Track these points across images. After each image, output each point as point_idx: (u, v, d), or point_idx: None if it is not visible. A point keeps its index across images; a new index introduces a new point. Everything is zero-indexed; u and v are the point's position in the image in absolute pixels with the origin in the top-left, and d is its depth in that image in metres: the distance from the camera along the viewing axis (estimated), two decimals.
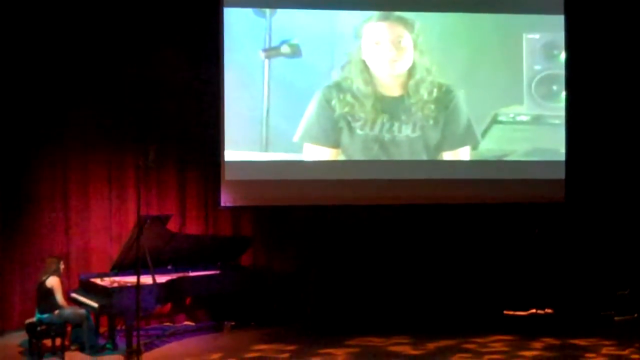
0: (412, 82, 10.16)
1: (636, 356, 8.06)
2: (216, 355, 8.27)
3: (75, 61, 9.57)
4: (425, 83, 10.17)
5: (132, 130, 9.70)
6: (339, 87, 10.09)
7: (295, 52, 10.05)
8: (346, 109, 10.09)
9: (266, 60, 10.00)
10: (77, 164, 9.66)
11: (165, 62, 9.75)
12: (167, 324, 9.76)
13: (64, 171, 9.62)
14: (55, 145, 9.58)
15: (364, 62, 10.13)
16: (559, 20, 10.44)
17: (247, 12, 9.99)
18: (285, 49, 10.04)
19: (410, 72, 10.17)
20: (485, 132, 10.30)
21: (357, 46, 10.13)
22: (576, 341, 8.70)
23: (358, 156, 10.15)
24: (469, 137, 10.27)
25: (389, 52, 10.14)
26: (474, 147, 10.30)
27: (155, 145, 7.54)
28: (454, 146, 10.26)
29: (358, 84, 10.10)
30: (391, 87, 10.19)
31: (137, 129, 9.68)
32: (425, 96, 10.16)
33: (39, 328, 8.14)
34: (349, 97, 10.07)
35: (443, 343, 8.67)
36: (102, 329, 8.88)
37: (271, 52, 10.02)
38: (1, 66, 9.35)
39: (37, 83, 9.48)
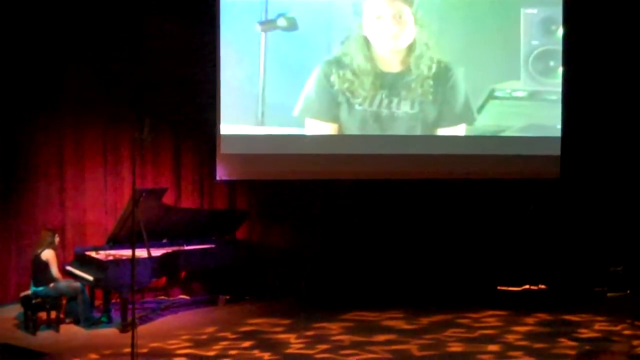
0: (412, 58, 10.10)
1: (628, 332, 8.12)
2: (211, 329, 8.30)
3: (69, 33, 9.49)
4: (425, 58, 10.11)
5: (127, 103, 9.66)
6: (338, 62, 10.04)
7: (292, 25, 9.99)
8: (345, 85, 10.05)
9: (262, 34, 9.94)
10: (72, 136, 9.63)
11: (161, 34, 9.69)
12: (162, 297, 9.80)
13: (59, 144, 9.60)
14: (50, 118, 9.55)
15: (365, 38, 10.05)
16: None
17: None
18: (281, 22, 9.98)
19: (411, 48, 10.11)
20: (481, 108, 10.27)
21: (358, 23, 10.04)
22: (569, 317, 8.75)
23: (356, 131, 10.13)
24: (465, 115, 10.24)
25: (391, 27, 10.06)
26: (470, 124, 10.28)
27: (150, 118, 7.47)
28: (450, 123, 10.24)
29: (358, 60, 10.03)
30: (391, 63, 10.13)
31: (132, 102, 9.63)
32: (425, 71, 10.11)
33: (34, 301, 8.17)
34: (348, 74, 10.02)
35: (437, 318, 8.73)
36: (97, 302, 8.91)
37: (267, 25, 9.96)
38: None
39: (29, 56, 9.40)
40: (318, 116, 10.05)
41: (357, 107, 10.09)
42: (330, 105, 10.07)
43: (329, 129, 10.09)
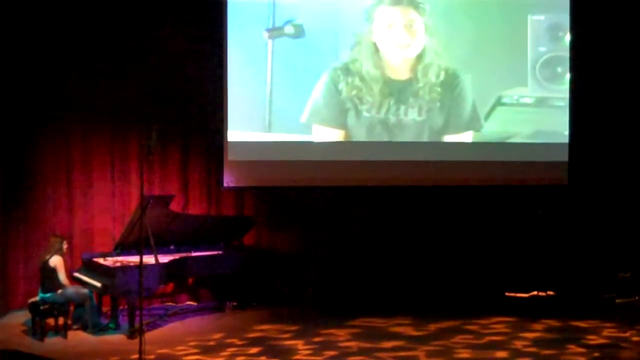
0: (421, 66, 10.09)
1: (637, 338, 8.09)
2: (218, 335, 8.30)
3: (77, 40, 9.53)
4: (434, 66, 10.11)
5: (134, 110, 9.69)
6: (346, 69, 10.04)
7: (299, 32, 10.01)
8: (354, 92, 10.05)
9: (270, 41, 9.96)
10: (80, 143, 9.67)
11: (168, 42, 9.71)
12: (170, 303, 9.81)
13: (67, 151, 9.63)
14: (58, 125, 9.59)
15: (374, 44, 10.06)
16: (564, 2, 10.35)
17: None
18: (289, 29, 10.00)
19: (420, 56, 10.10)
20: (489, 114, 10.27)
21: (369, 29, 10.05)
22: (577, 323, 8.73)
23: (363, 138, 10.14)
24: (472, 122, 10.23)
25: (402, 37, 10.06)
26: (477, 130, 10.27)
27: (158, 125, 7.51)
28: (457, 130, 10.23)
29: (368, 66, 10.03)
30: (400, 71, 10.14)
31: (139, 109, 9.67)
32: (434, 79, 10.10)
33: (42, 307, 8.18)
34: (357, 81, 10.03)
35: (445, 324, 8.70)
36: (105, 309, 8.90)
37: (275, 32, 9.98)
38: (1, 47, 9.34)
39: (36, 64, 9.44)
40: (325, 122, 10.06)
41: (364, 113, 10.10)
42: (338, 112, 10.08)
43: (336, 135, 10.10)
